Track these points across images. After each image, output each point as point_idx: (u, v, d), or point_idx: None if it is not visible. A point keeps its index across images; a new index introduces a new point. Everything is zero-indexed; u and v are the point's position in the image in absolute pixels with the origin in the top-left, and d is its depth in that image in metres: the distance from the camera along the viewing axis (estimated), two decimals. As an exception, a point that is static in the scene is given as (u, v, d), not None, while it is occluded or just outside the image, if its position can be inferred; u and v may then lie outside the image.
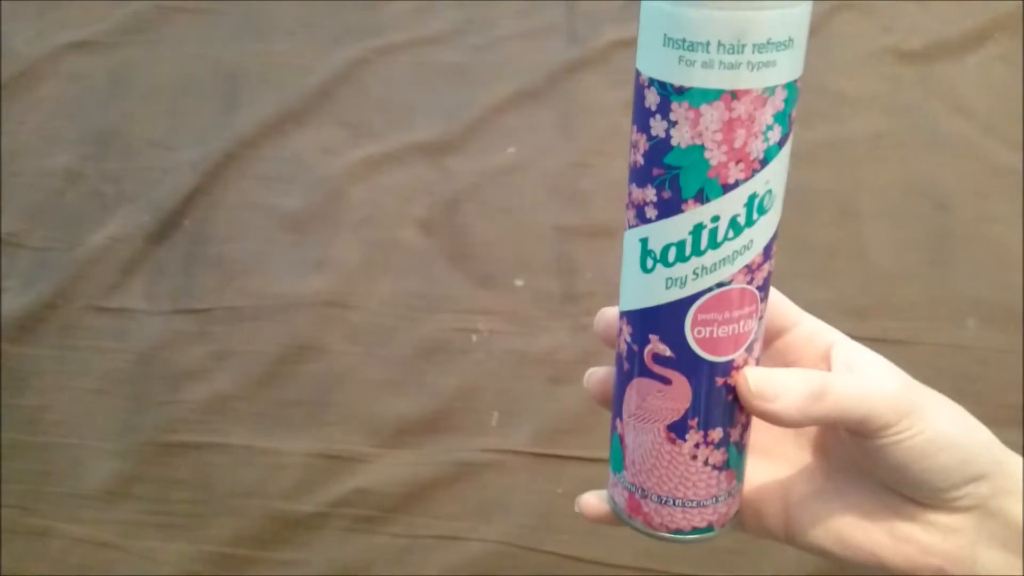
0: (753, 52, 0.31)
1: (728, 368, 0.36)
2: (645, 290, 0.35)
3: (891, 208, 0.89)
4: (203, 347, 0.86)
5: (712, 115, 0.32)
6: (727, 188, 0.33)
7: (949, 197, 0.88)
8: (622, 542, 0.76)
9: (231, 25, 1.02)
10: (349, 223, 0.91)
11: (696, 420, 0.37)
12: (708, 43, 0.31)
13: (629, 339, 0.37)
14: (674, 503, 0.38)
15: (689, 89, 0.32)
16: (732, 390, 0.36)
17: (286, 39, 1.00)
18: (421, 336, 0.86)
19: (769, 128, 0.32)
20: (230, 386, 0.85)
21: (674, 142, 0.33)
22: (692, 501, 0.38)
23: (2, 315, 0.88)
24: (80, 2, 1.04)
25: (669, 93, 0.32)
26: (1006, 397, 0.79)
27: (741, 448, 0.39)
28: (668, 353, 0.36)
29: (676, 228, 0.34)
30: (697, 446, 0.37)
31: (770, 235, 0.35)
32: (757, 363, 0.37)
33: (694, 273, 0.34)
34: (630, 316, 0.37)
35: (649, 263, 0.35)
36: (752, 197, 0.33)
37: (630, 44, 0.96)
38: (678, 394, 0.36)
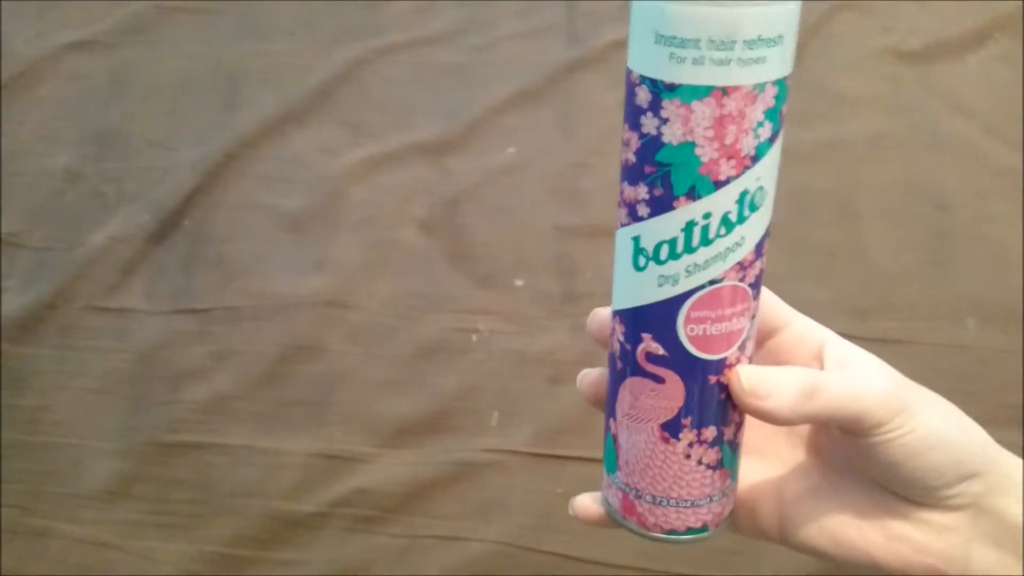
0: (743, 49, 0.31)
1: (721, 366, 0.36)
2: (637, 288, 0.35)
3: (891, 208, 0.88)
4: (203, 347, 0.86)
5: (703, 112, 0.32)
6: (718, 185, 0.33)
7: (949, 197, 0.88)
8: (622, 542, 0.75)
9: (231, 25, 1.02)
10: (349, 223, 0.91)
11: (690, 419, 0.37)
12: (699, 40, 0.31)
13: (622, 338, 0.37)
14: (668, 503, 0.38)
15: (680, 86, 0.32)
16: (725, 388, 0.36)
17: (286, 39, 1.00)
18: (421, 336, 0.86)
19: (760, 124, 0.32)
20: (230, 386, 0.85)
21: (665, 139, 0.33)
22: (686, 501, 0.38)
23: (2, 315, 0.88)
24: (80, 2, 1.04)
25: (660, 90, 0.32)
26: (1006, 397, 0.79)
27: (735, 447, 0.39)
28: (661, 352, 0.36)
29: (668, 225, 0.34)
30: (691, 445, 0.37)
31: (762, 232, 0.35)
32: (750, 361, 0.37)
33: (686, 271, 0.34)
34: (623, 315, 0.37)
35: (641, 261, 0.35)
36: (744, 194, 0.33)
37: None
38: (671, 393, 0.36)
